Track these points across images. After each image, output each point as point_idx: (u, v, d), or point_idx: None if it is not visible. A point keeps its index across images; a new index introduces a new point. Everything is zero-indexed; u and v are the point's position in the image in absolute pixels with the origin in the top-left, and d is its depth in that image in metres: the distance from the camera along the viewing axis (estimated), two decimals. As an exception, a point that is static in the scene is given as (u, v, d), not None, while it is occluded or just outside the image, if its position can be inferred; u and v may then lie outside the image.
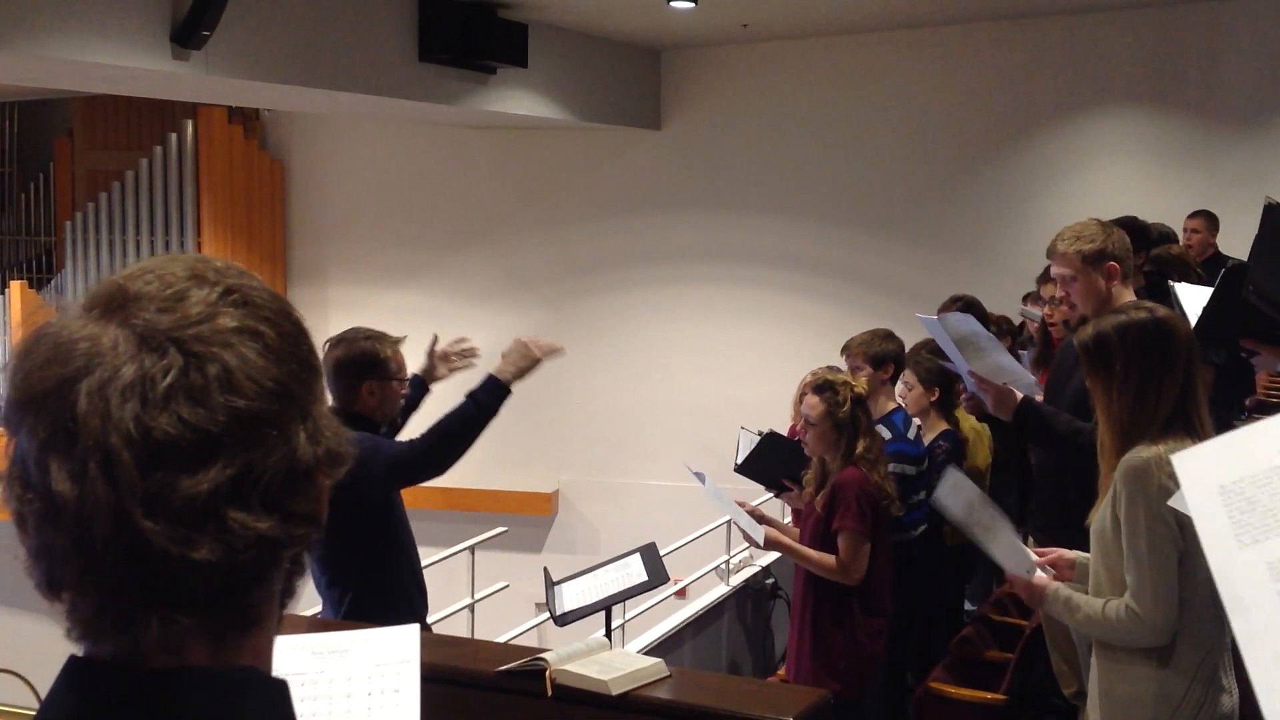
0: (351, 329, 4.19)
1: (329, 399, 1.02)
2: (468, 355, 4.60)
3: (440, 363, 4.73)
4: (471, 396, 3.95)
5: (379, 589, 4.04)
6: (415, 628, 2.09)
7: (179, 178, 13.42)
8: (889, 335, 5.25)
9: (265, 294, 0.99)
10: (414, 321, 12.96)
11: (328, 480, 1.00)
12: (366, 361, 4.03)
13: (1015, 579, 3.30)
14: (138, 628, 0.91)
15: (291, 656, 1.98)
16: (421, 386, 4.62)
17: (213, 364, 0.91)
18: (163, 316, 0.92)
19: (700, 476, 4.66)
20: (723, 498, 4.60)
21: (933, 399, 5.49)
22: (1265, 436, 1.25)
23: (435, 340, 4.62)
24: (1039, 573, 3.20)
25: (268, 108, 13.24)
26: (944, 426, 5.51)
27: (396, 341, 4.17)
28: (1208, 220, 8.26)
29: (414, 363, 4.45)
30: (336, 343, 4.11)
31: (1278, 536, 1.18)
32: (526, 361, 4.05)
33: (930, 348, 5.68)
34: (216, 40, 7.23)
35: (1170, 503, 1.96)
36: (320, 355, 1.03)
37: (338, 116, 13.14)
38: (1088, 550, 3.21)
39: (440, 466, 3.91)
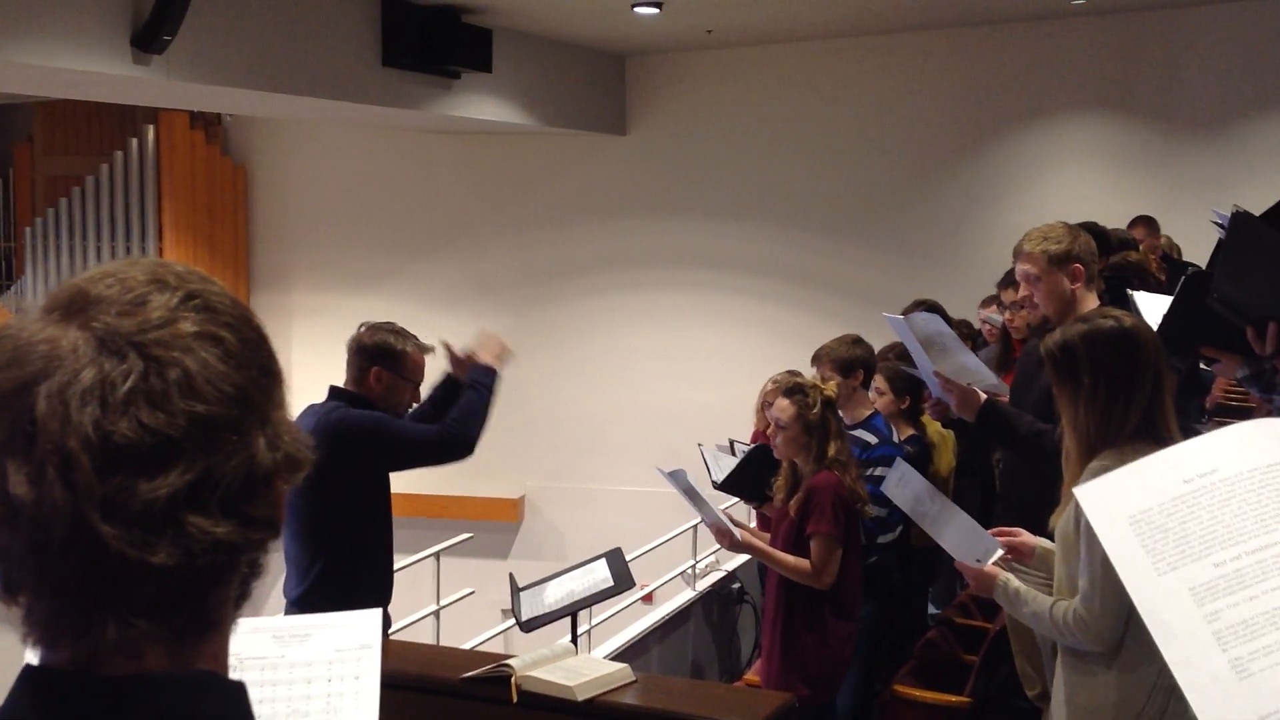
0: (388, 321, 4.47)
1: (289, 407, 1.02)
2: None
3: (458, 366, 4.80)
4: (473, 385, 4.35)
5: (352, 562, 4.15)
6: (377, 613, 2.10)
7: (140, 183, 13.32)
8: (857, 341, 5.27)
9: (226, 300, 0.99)
10: (378, 327, 12.97)
11: (286, 485, 0.99)
12: (381, 350, 4.28)
13: (964, 567, 3.31)
14: (95, 631, 0.90)
15: (253, 640, 1.99)
16: (456, 386, 4.66)
17: (173, 368, 0.91)
18: (123, 320, 0.92)
19: (677, 475, 4.62)
20: (694, 493, 4.58)
21: (903, 406, 5.53)
22: (1164, 467, 1.29)
23: (448, 347, 4.68)
24: (989, 562, 3.21)
25: (230, 113, 13.16)
26: (910, 431, 5.55)
27: (423, 346, 4.40)
28: (1148, 226, 8.34)
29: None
30: (366, 327, 4.40)
31: (1194, 562, 1.21)
32: (499, 349, 4.50)
33: (898, 352, 5.72)
34: (178, 45, 7.18)
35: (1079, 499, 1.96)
36: (279, 359, 1.03)
37: (301, 121, 13.08)
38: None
39: (470, 445, 4.28)
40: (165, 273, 0.97)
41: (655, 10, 9.77)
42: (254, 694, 1.92)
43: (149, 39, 7.02)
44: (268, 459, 0.96)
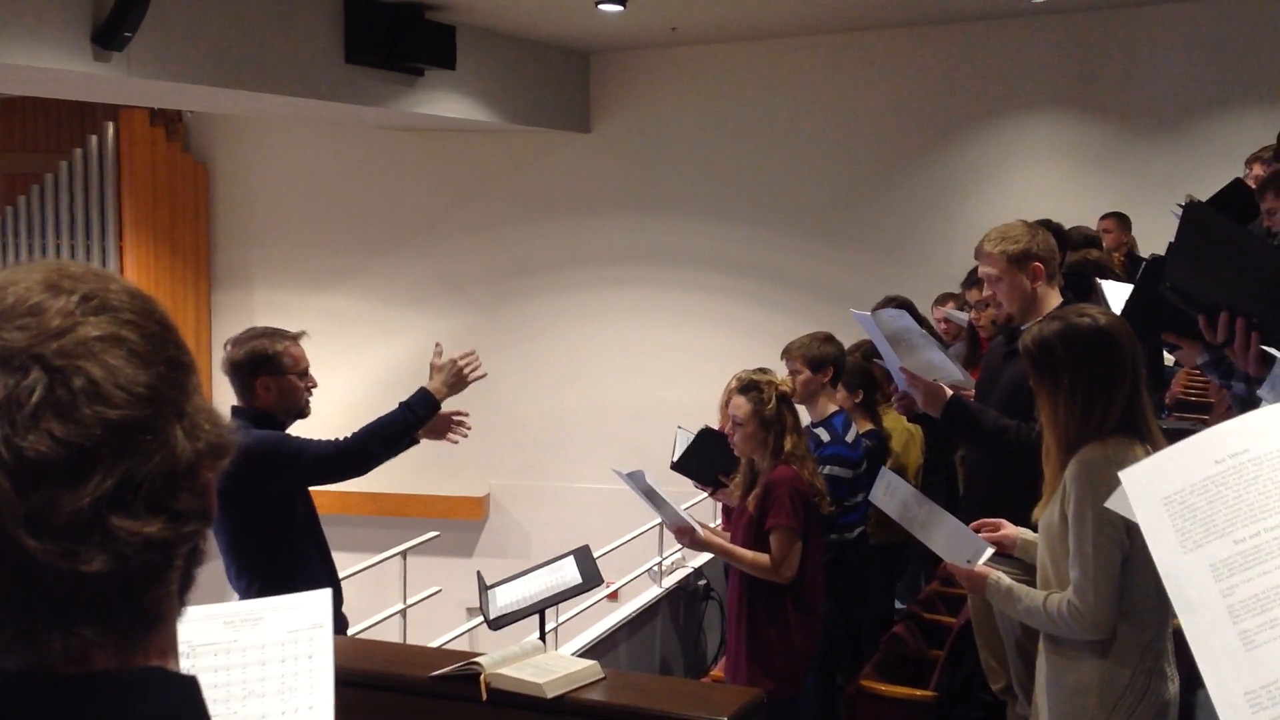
0: (246, 329, 4.32)
1: (204, 391, 1.01)
2: (476, 368, 4.57)
3: (437, 373, 4.70)
4: (406, 406, 4.23)
5: (286, 579, 4.07)
6: (326, 592, 2.10)
7: (100, 181, 13.20)
8: (829, 338, 5.29)
9: (125, 296, 0.97)
10: (342, 325, 12.92)
11: (212, 473, 0.99)
12: (257, 359, 4.15)
13: (956, 569, 3.35)
14: (40, 643, 0.90)
15: (204, 627, 2.00)
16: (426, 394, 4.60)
17: (78, 377, 0.90)
18: (20, 334, 0.91)
19: (636, 477, 4.63)
20: (656, 492, 4.59)
21: (857, 400, 5.55)
22: (1200, 449, 1.33)
23: (437, 351, 4.60)
24: (980, 562, 3.25)
25: (191, 110, 13.07)
26: (868, 426, 5.58)
27: (292, 337, 4.27)
28: (1119, 221, 8.41)
29: (352, 375, 4.48)
30: (231, 344, 4.28)
31: (1216, 540, 1.26)
32: (456, 381, 4.34)
33: (864, 351, 5.74)
34: (139, 41, 7.12)
35: (1108, 504, 2.03)
36: (187, 348, 1.02)
37: (263, 119, 13.00)
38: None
39: (364, 468, 4.17)
40: (59, 276, 0.95)
41: (619, 7, 9.77)
42: (208, 679, 1.94)
43: (110, 36, 6.96)
44: (188, 450, 0.95)
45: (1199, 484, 1.29)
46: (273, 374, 4.15)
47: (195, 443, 0.96)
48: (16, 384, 0.89)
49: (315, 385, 4.33)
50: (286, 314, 12.65)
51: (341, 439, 4.16)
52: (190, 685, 0.98)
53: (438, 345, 4.50)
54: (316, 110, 10.67)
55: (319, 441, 4.17)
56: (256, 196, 13.73)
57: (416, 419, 4.24)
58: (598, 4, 9.74)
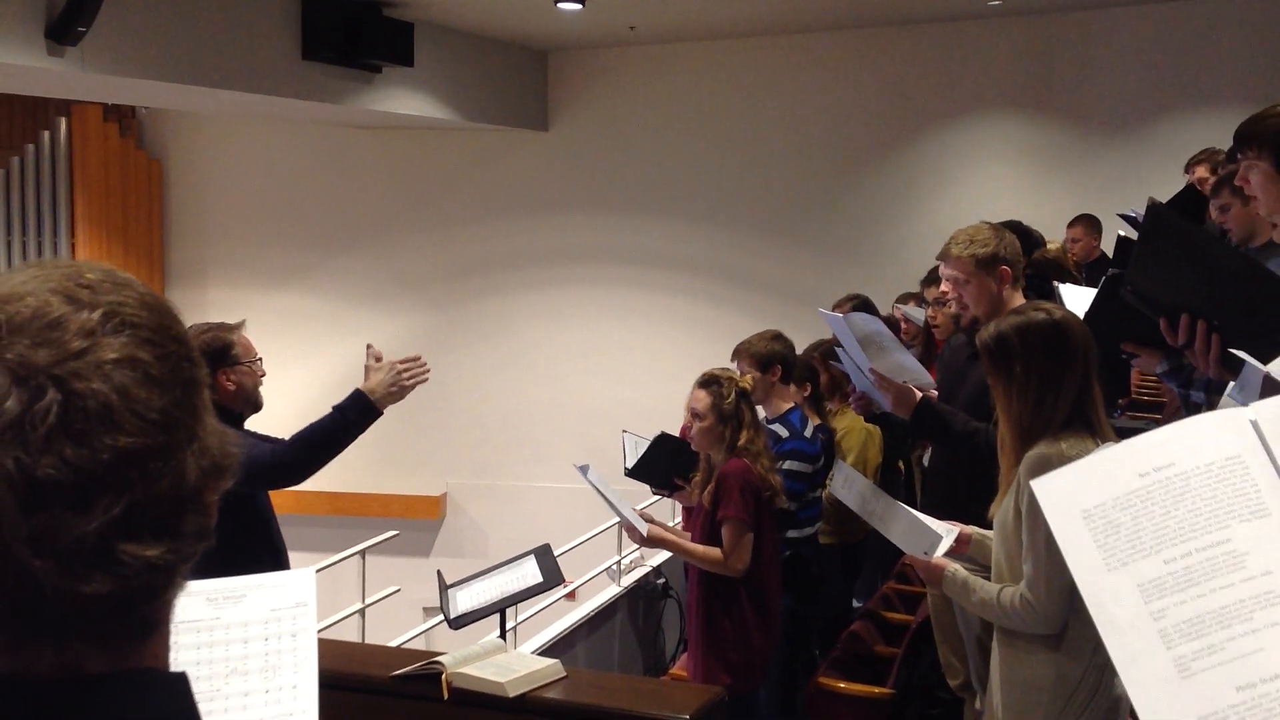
0: (193, 325, 4.20)
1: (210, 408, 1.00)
2: (419, 375, 4.47)
3: (374, 374, 4.64)
4: (340, 411, 4.05)
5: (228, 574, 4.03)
6: (310, 571, 2.09)
7: (52, 177, 13.06)
8: (776, 336, 5.31)
9: (145, 311, 0.95)
10: (298, 324, 12.85)
11: (215, 494, 0.98)
12: (216, 351, 4.11)
13: (914, 560, 3.39)
14: (30, 653, 0.89)
15: (187, 604, 1.98)
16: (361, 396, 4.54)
17: (93, 400, 0.88)
18: (39, 351, 0.89)
19: (584, 469, 4.67)
20: (607, 487, 4.61)
21: (805, 394, 5.59)
22: (1122, 460, 1.27)
23: (371, 353, 4.52)
24: (938, 553, 3.29)
25: (146, 105, 12.95)
26: (817, 421, 5.61)
27: (234, 327, 4.24)
28: (1087, 226, 8.44)
29: (308, 375, 4.41)
30: None
31: (1144, 559, 1.20)
32: (397, 389, 4.12)
33: (823, 350, 5.77)
34: (93, 36, 7.05)
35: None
36: (201, 363, 1.01)
37: (218, 115, 12.90)
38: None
39: (300, 476, 4.04)
40: (77, 286, 0.93)
41: (578, 6, 9.76)
42: (190, 656, 1.92)
43: (63, 30, 6.89)
44: (196, 473, 0.94)
45: (1122, 498, 1.23)
46: (230, 365, 4.14)
47: (202, 463, 0.95)
48: (32, 403, 0.87)
49: (265, 375, 4.30)
50: (242, 312, 12.45)
51: (279, 446, 4.05)
52: (181, 683, 0.98)
53: (369, 347, 4.42)
54: (272, 107, 10.59)
55: (262, 448, 4.07)
56: (211, 193, 13.62)
57: (348, 423, 4.02)
58: (556, 2, 9.73)
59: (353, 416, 4.03)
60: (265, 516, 4.27)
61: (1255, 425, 1.27)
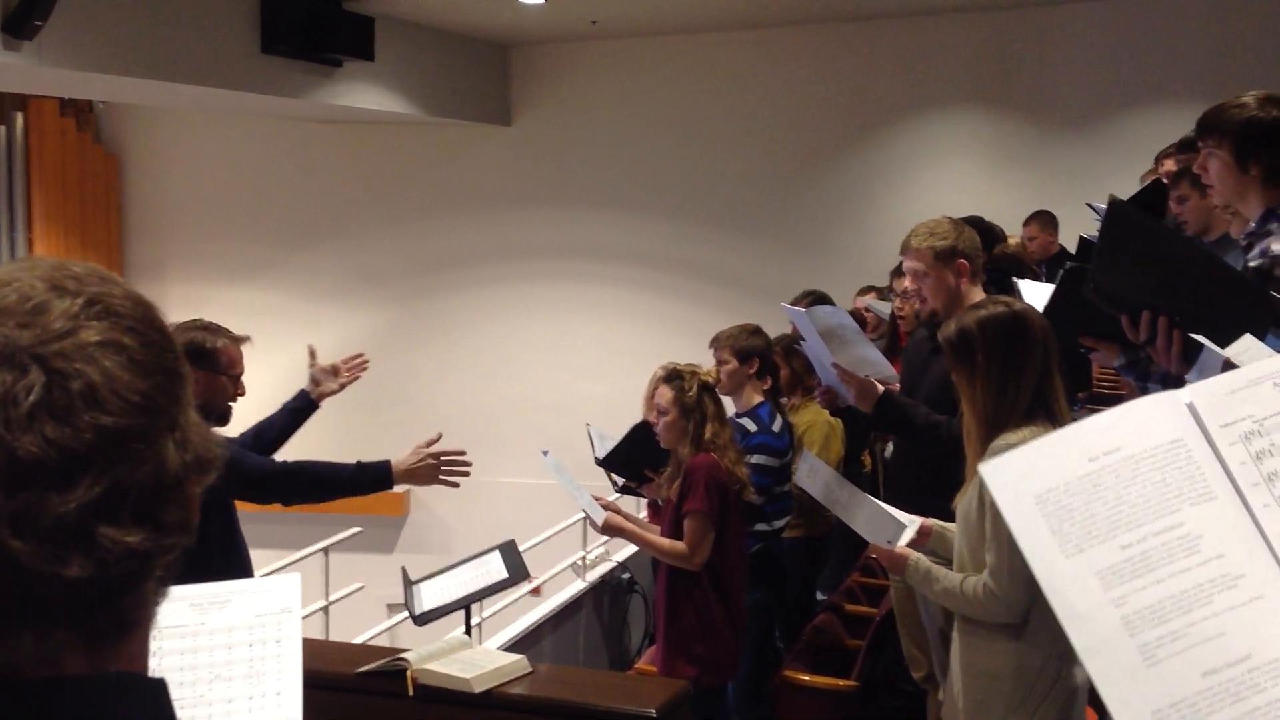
0: (190, 319, 4.15)
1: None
2: (358, 369, 4.48)
3: (327, 377, 4.61)
4: (363, 470, 4.12)
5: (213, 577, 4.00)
6: (296, 576, 2.08)
7: (8, 172, 12.89)
8: (757, 331, 5.34)
9: (129, 302, 0.96)
10: (259, 320, 12.72)
11: (198, 487, 0.98)
12: (192, 350, 3.99)
13: (878, 549, 3.43)
14: (10, 643, 0.89)
15: (171, 609, 1.96)
16: (310, 405, 4.49)
17: (76, 380, 0.89)
18: (23, 332, 0.90)
19: (547, 458, 4.68)
20: (564, 473, 4.61)
21: (765, 387, 5.60)
22: (1072, 443, 1.26)
23: (313, 354, 4.48)
24: (901, 543, 3.33)
25: (103, 100, 12.82)
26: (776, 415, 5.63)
27: (235, 338, 4.13)
28: (1042, 223, 8.46)
29: (268, 373, 4.34)
30: (173, 329, 4.09)
31: (1099, 544, 1.19)
32: (426, 477, 4.26)
33: (785, 345, 5.79)
34: (49, 30, 6.97)
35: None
36: (184, 360, 1.01)
37: (177, 109, 12.79)
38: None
39: (288, 501, 4.12)
40: (64, 277, 0.94)
41: (540, 0, 9.74)
42: (175, 662, 1.90)
43: (19, 24, 6.81)
44: (177, 463, 0.94)
45: (1072, 483, 1.21)
46: (206, 368, 4.01)
47: (185, 455, 0.95)
48: (15, 382, 0.88)
49: (244, 394, 4.18)
50: (201, 308, 12.39)
51: (276, 462, 4.03)
52: (159, 689, 0.97)
53: (310, 348, 4.37)
54: (232, 101, 10.52)
55: (252, 456, 4.05)
56: (170, 188, 13.50)
57: (361, 489, 4.13)
58: (518, -3, 9.72)
59: (367, 482, 4.13)
60: (228, 521, 4.21)
61: (1191, 408, 1.26)
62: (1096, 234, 3.03)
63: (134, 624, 0.96)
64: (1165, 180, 5.37)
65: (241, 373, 4.15)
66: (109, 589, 0.91)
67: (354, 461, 4.13)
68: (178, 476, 0.94)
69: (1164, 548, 1.19)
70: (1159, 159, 7.00)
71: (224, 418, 4.12)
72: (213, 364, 4.03)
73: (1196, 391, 1.27)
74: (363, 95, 10.43)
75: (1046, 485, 1.22)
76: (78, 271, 0.96)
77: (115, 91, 10.46)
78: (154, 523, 0.92)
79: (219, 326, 4.14)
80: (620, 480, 5.20)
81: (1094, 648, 1.16)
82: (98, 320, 0.93)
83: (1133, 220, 2.63)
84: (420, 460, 4.19)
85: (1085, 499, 1.21)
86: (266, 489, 4.05)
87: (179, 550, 0.97)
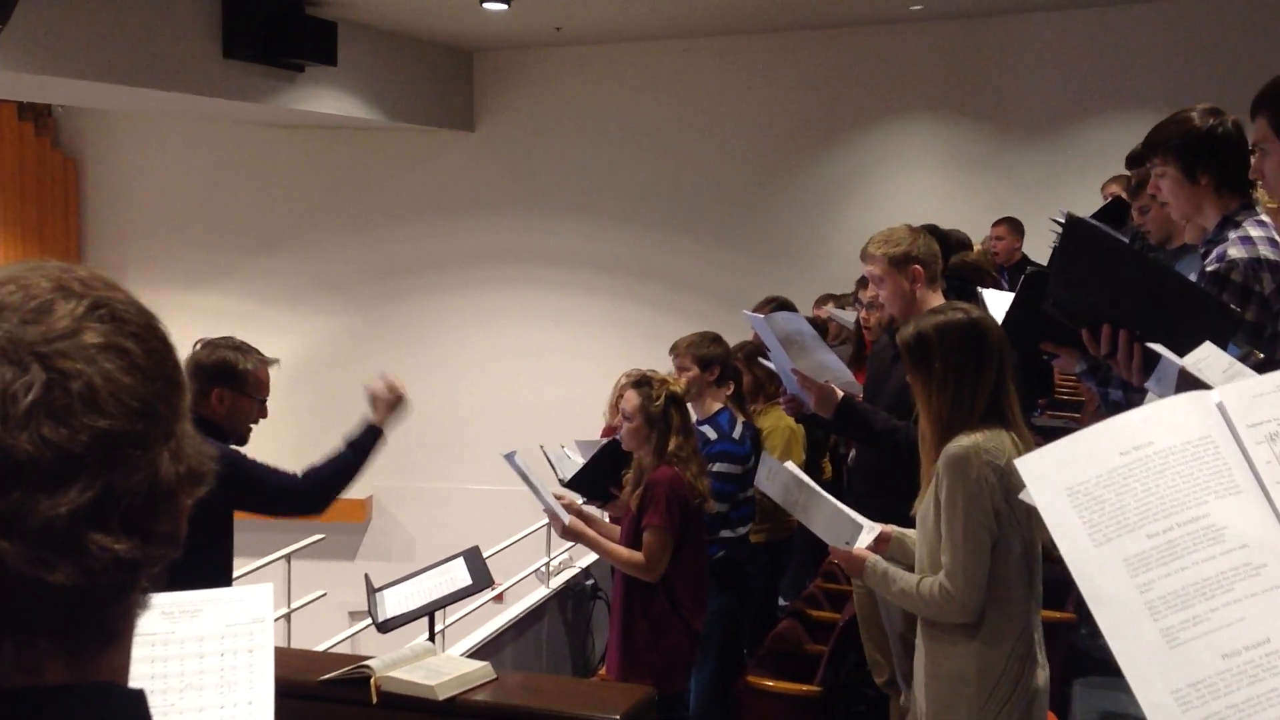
0: (223, 337, 4.24)
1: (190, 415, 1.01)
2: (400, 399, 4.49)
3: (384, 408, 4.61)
4: (352, 446, 4.21)
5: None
6: (269, 586, 2.08)
7: (-36, 176, 12.79)
8: (716, 339, 5.35)
9: (133, 308, 0.96)
10: (220, 325, 12.57)
11: (189, 499, 0.98)
12: (222, 369, 4.05)
13: (836, 550, 3.45)
14: None
15: (142, 618, 1.95)
16: (377, 434, 4.49)
17: (76, 381, 0.88)
18: (26, 329, 0.89)
19: (511, 457, 4.64)
20: (532, 474, 4.58)
21: (728, 393, 5.62)
22: (1105, 437, 1.32)
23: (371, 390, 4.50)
24: (859, 545, 3.35)
25: (62, 104, 12.71)
26: (743, 419, 5.64)
27: (266, 360, 4.18)
28: (1011, 227, 8.56)
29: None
30: (203, 345, 4.18)
31: (1128, 534, 1.25)
32: (395, 401, 4.35)
33: (746, 351, 5.81)
34: (8, 33, 6.90)
35: (1022, 496, 2.09)
36: (183, 370, 1.01)
37: (137, 114, 12.70)
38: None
39: (323, 506, 4.19)
40: (69, 279, 0.94)
41: (503, 6, 9.74)
42: (145, 670, 1.90)
43: (-23, 26, 6.75)
44: (171, 474, 0.94)
45: (1104, 475, 1.28)
46: (232, 388, 4.04)
47: (179, 466, 0.95)
48: (15, 378, 0.87)
49: (266, 416, 4.20)
50: (161, 314, 12.12)
51: (300, 475, 4.10)
52: (138, 699, 0.97)
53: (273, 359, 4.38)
54: (193, 106, 10.45)
55: (278, 473, 4.09)
56: (130, 193, 13.40)
57: (366, 459, 4.26)
58: (482, 2, 9.71)
59: (367, 446, 4.25)
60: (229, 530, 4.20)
61: (1221, 408, 1.32)
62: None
63: (117, 635, 0.95)
64: (1124, 197, 5.45)
65: (267, 396, 4.19)
66: (94, 598, 0.90)
67: (342, 444, 4.23)
68: (170, 487, 0.94)
69: (1189, 537, 1.24)
70: (1104, 187, 7.10)
71: (243, 439, 4.15)
72: (241, 385, 4.07)
73: (1226, 393, 1.33)
74: (325, 100, 10.39)
75: (1079, 478, 1.29)
76: (83, 275, 0.96)
77: (75, 95, 10.37)
78: (144, 533, 0.91)
79: (250, 347, 4.18)
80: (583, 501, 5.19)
81: (1118, 630, 1.21)
82: (101, 323, 0.92)
83: (1089, 235, 2.67)
84: (382, 403, 4.33)
85: (1117, 491, 1.27)
86: (304, 503, 4.19)
87: (165, 562, 0.96)
